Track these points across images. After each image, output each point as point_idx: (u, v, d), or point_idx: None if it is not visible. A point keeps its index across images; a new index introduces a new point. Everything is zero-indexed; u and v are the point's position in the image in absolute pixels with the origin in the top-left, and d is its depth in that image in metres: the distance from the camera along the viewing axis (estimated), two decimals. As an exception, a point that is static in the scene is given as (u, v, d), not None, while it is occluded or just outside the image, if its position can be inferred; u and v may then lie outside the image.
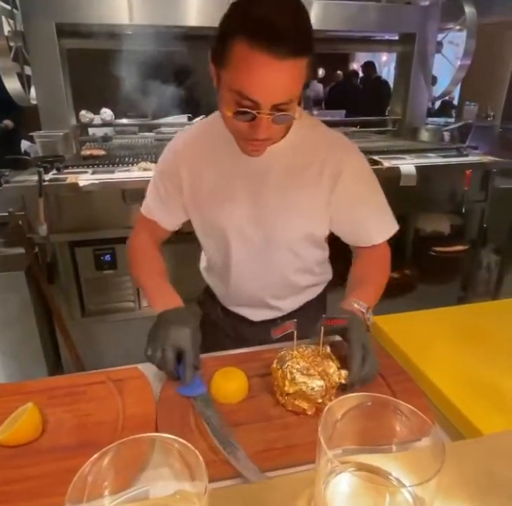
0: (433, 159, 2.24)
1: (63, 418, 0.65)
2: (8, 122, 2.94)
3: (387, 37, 2.70)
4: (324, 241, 0.98)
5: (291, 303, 1.02)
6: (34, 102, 2.09)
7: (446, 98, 3.87)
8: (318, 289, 1.07)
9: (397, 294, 2.43)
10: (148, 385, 0.72)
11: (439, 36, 2.61)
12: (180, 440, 0.36)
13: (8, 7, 1.88)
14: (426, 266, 2.39)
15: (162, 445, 0.37)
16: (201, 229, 0.97)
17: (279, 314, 1.02)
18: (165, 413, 0.66)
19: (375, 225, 0.91)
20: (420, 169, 2.11)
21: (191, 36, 2.27)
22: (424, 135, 2.68)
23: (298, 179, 0.86)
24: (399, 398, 0.70)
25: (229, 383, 0.70)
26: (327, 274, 1.07)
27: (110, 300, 2.03)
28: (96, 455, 0.35)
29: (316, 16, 2.29)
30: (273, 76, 0.66)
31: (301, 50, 0.66)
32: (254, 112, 0.69)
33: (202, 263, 1.11)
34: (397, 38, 2.63)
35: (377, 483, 0.38)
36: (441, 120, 3.89)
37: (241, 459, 0.58)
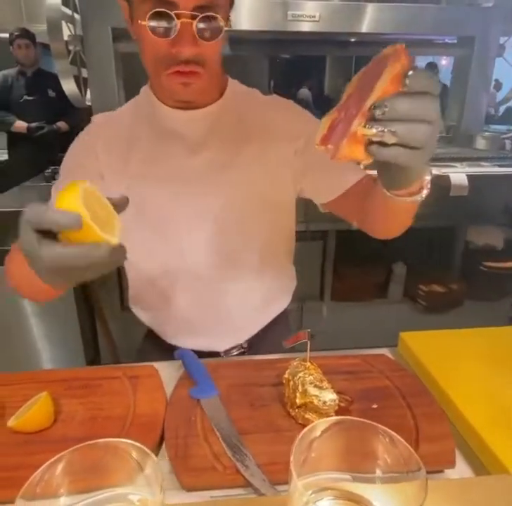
0: (487, 168, 2.11)
1: (76, 410, 0.67)
2: (61, 124, 3.10)
3: (447, 40, 2.58)
4: (291, 211, 0.88)
5: (282, 304, 0.94)
6: (89, 103, 2.19)
7: (511, 104, 3.65)
8: (290, 288, 0.96)
9: (443, 309, 2.31)
10: (161, 384, 0.72)
11: (502, 39, 2.46)
12: (138, 445, 0.35)
13: (69, 12, 1.98)
14: (475, 281, 2.25)
15: (119, 451, 0.36)
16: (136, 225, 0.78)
17: (249, 332, 0.90)
18: (173, 414, 0.65)
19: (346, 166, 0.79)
20: (472, 178, 1.99)
21: (246, 40, 2.31)
22: (480, 143, 2.53)
23: (244, 146, 0.79)
24: (419, 421, 0.66)
25: None
26: (293, 279, 0.96)
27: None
28: (46, 463, 0.35)
29: (370, 19, 2.23)
30: None
31: None
32: (172, 13, 0.62)
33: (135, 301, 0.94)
34: (455, 41, 2.51)
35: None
36: (503, 128, 3.67)
37: (250, 467, 0.57)
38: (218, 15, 0.64)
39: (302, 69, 5.46)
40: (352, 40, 2.54)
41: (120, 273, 1.99)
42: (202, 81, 0.70)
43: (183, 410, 0.66)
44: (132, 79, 2.40)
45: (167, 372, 0.76)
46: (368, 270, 2.31)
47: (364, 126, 0.41)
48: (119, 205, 0.50)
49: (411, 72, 0.41)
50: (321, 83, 6.87)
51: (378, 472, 0.35)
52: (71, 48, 2.02)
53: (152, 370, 0.76)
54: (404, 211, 0.62)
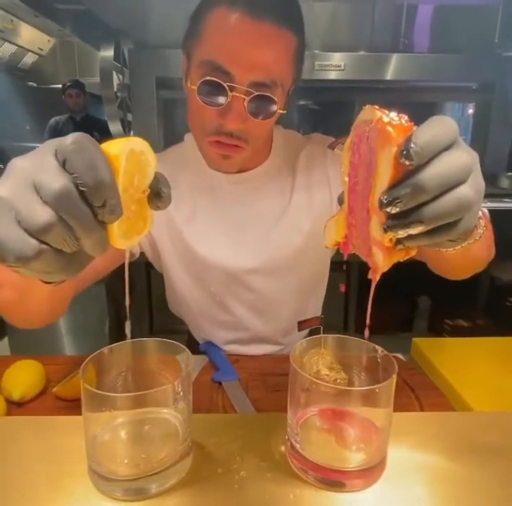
0: (510, 204, 2.16)
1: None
2: None
3: (468, 86, 2.71)
4: (327, 258, 0.88)
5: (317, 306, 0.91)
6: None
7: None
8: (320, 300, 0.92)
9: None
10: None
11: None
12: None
13: (119, 65, 2.25)
14: (501, 317, 2.22)
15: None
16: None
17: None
18: (196, 394, 0.72)
19: None
20: (495, 213, 2.01)
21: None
22: (504, 182, 2.58)
23: (292, 196, 0.77)
24: (426, 410, 0.70)
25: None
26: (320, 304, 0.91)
27: (177, 321, 2.17)
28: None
29: (394, 68, 2.39)
30: (251, 42, 0.57)
31: (284, 20, 0.59)
32: (225, 84, 0.58)
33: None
34: (475, 87, 2.64)
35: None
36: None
37: None
38: (273, 97, 0.60)
39: (330, 117, 5.70)
40: (378, 87, 2.70)
41: (151, 300, 2.10)
42: (244, 155, 0.67)
43: (206, 390, 0.73)
44: (172, 122, 2.64)
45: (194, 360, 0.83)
46: (392, 303, 2.33)
47: (385, 231, 0.32)
48: (163, 194, 0.35)
49: (412, 146, 0.29)
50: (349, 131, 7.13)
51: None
52: (119, 94, 2.27)
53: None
54: (462, 256, 0.46)
